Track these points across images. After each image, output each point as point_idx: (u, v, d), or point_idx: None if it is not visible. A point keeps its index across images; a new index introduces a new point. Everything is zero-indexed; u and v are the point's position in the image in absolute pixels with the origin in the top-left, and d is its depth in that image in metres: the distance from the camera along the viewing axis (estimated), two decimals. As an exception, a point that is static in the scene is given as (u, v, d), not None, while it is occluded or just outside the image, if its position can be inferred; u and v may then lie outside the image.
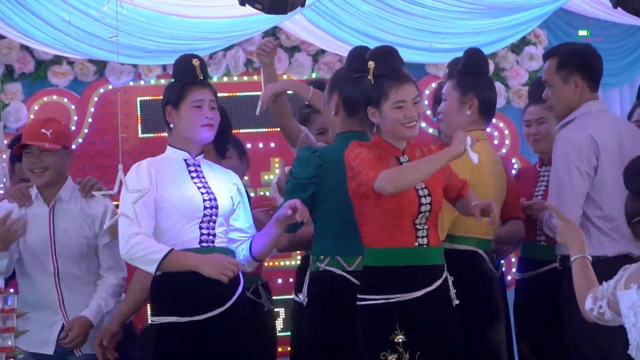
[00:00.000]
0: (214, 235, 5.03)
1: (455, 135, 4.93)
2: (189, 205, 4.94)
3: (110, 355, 5.39)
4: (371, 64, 4.90)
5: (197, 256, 4.96)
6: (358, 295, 4.87)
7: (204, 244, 4.99)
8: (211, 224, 5.01)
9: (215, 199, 5.00)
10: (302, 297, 5.13)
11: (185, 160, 5.01)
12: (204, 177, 5.05)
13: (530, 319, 6.00)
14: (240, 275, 5.03)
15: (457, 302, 4.95)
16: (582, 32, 7.30)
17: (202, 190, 5.01)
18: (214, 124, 5.07)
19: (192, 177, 5.00)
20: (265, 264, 6.37)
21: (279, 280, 7.15)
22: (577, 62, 5.46)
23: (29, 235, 5.50)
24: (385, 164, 4.89)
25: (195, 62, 5.08)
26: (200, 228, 4.97)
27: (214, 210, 4.99)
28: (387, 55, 4.98)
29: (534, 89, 6.18)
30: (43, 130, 5.53)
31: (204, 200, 4.99)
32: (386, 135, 4.89)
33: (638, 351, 4.10)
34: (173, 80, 5.26)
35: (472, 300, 5.25)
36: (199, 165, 5.08)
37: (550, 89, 5.49)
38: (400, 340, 4.73)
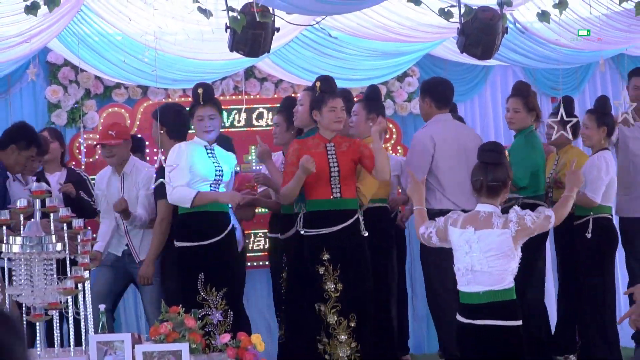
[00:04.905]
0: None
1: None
2: (207, 173, 5.99)
3: (149, 282, 6.45)
4: (317, 84, 5.91)
5: (215, 193, 5.90)
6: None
7: None
8: (217, 186, 6.03)
9: (222, 172, 6.01)
10: (300, 227, 5.96)
11: (205, 146, 6.03)
12: (216, 158, 6.01)
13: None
14: (232, 215, 6.06)
15: (366, 233, 5.83)
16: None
17: (216, 165, 6.03)
18: (211, 130, 5.91)
19: (209, 157, 6.00)
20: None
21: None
22: (426, 89, 6.67)
23: (110, 194, 6.68)
24: (315, 151, 5.70)
25: (199, 90, 5.99)
26: (210, 187, 6.00)
27: (220, 178, 6.01)
28: (327, 80, 5.91)
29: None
30: (109, 132, 6.60)
31: (216, 172, 6.01)
32: (322, 130, 5.87)
33: (468, 272, 4.50)
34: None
35: (382, 236, 6.32)
36: (213, 149, 6.08)
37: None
38: (326, 257, 5.71)
